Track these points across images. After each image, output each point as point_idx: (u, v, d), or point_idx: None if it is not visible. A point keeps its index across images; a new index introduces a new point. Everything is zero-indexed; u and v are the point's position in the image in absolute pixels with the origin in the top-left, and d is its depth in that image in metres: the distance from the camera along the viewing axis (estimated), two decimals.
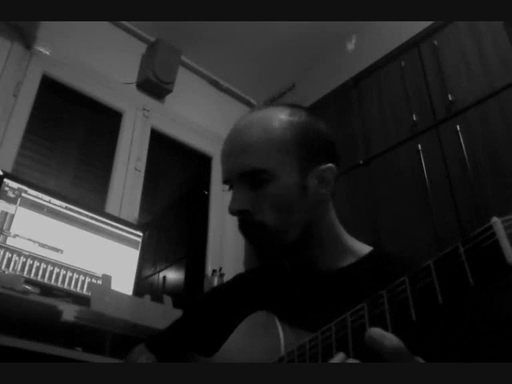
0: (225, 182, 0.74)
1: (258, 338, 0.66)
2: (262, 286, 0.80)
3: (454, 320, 0.59)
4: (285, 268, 0.78)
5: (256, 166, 0.68)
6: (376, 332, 0.44)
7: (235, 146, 0.71)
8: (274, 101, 2.83)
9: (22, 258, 1.53)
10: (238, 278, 0.88)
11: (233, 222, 0.80)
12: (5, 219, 1.54)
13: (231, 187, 0.73)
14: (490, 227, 0.38)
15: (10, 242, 1.53)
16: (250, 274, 0.87)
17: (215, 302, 0.85)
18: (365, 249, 0.76)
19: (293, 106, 0.77)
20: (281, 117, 0.72)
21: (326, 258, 0.72)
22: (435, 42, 2.00)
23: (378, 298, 0.47)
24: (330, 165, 0.72)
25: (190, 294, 2.17)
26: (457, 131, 1.78)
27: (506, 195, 1.55)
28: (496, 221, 0.37)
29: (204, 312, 0.85)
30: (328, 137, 0.75)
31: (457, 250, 0.40)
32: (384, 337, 0.43)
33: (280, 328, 0.62)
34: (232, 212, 0.70)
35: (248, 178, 0.69)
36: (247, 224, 0.70)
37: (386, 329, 0.44)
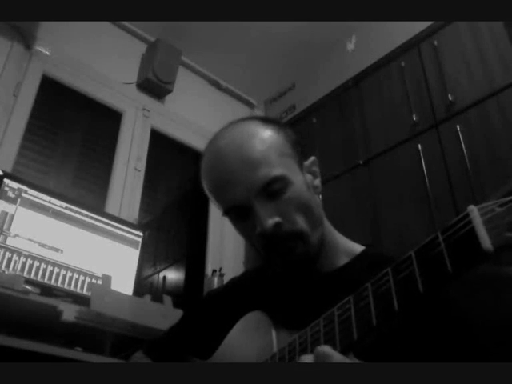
0: (237, 208, 0.68)
1: (252, 337, 0.66)
2: (257, 289, 0.80)
3: (432, 313, 0.60)
4: (280, 270, 0.78)
5: (273, 175, 0.66)
6: (320, 352, 0.47)
7: (240, 167, 0.66)
8: (274, 101, 2.83)
9: (21, 257, 1.53)
10: (233, 282, 0.89)
11: None
12: (5, 219, 1.54)
13: (244, 213, 0.68)
14: (467, 215, 0.38)
15: (9, 241, 1.53)
16: (245, 277, 0.88)
17: (212, 306, 0.85)
18: (357, 248, 0.76)
19: (252, 118, 0.76)
20: (262, 126, 0.72)
21: (321, 258, 0.72)
22: (435, 42, 2.00)
23: (363, 290, 0.47)
24: (312, 157, 0.76)
25: (190, 294, 2.17)
26: (457, 131, 1.78)
27: None
28: (472, 209, 0.38)
29: (201, 316, 0.86)
30: (296, 135, 0.77)
31: (436, 238, 0.41)
32: (328, 357, 0.46)
33: (273, 327, 0.63)
34: (267, 230, 0.65)
35: (266, 192, 0.66)
36: (281, 237, 0.66)
37: (370, 320, 0.45)
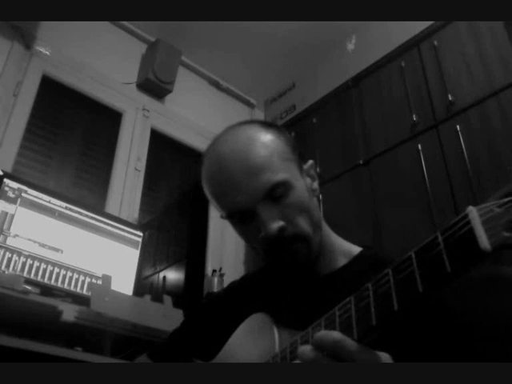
0: (242, 212, 0.69)
1: (255, 338, 0.67)
2: (257, 292, 0.81)
3: (430, 313, 0.61)
4: (281, 272, 0.78)
5: (276, 181, 0.67)
6: (318, 335, 0.47)
7: (243, 173, 0.67)
8: (274, 101, 2.83)
9: (21, 258, 1.53)
10: (233, 285, 0.90)
11: None
12: (5, 219, 1.54)
13: (247, 217, 0.69)
14: (466, 216, 0.39)
15: (9, 241, 1.53)
16: (244, 281, 0.88)
17: (212, 309, 0.86)
18: (354, 249, 0.77)
19: (251, 122, 0.76)
20: (263, 130, 0.72)
21: (320, 260, 0.73)
22: (435, 42, 2.00)
23: (364, 290, 0.48)
24: (310, 161, 0.77)
25: (190, 294, 2.17)
26: (457, 131, 1.78)
27: None
28: (471, 209, 0.39)
29: (202, 320, 0.87)
30: (294, 139, 0.78)
31: (436, 239, 0.41)
32: (324, 335, 0.46)
33: (275, 328, 0.64)
34: (271, 233, 0.66)
35: (269, 197, 0.67)
36: (285, 241, 0.67)
37: (369, 320, 0.45)
